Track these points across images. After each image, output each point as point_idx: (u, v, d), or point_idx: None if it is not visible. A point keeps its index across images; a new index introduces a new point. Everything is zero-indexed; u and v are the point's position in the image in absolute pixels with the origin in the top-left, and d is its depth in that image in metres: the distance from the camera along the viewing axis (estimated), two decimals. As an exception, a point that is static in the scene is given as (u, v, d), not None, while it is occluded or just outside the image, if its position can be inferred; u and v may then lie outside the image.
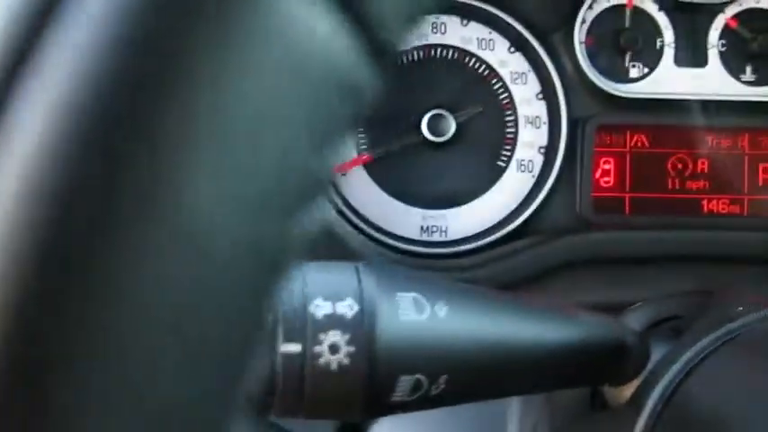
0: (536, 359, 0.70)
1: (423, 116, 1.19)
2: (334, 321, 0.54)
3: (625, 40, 1.22)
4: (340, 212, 1.18)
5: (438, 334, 0.60)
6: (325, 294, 0.55)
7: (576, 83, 1.23)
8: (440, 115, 1.19)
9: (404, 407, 0.60)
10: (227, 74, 0.25)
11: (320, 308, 0.55)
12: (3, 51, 0.24)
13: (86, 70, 0.23)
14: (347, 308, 0.55)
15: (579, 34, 1.22)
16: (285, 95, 0.26)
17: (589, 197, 1.23)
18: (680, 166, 1.25)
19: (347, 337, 0.54)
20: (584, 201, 1.23)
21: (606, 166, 1.24)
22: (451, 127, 1.19)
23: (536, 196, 1.21)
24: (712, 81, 1.26)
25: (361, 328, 0.55)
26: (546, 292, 1.16)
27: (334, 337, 0.54)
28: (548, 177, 1.21)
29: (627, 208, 1.25)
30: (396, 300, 0.58)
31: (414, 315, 0.58)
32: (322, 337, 0.54)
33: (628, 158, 1.25)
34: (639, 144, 1.25)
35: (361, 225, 1.19)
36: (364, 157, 1.20)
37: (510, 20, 1.20)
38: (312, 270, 0.58)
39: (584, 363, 0.76)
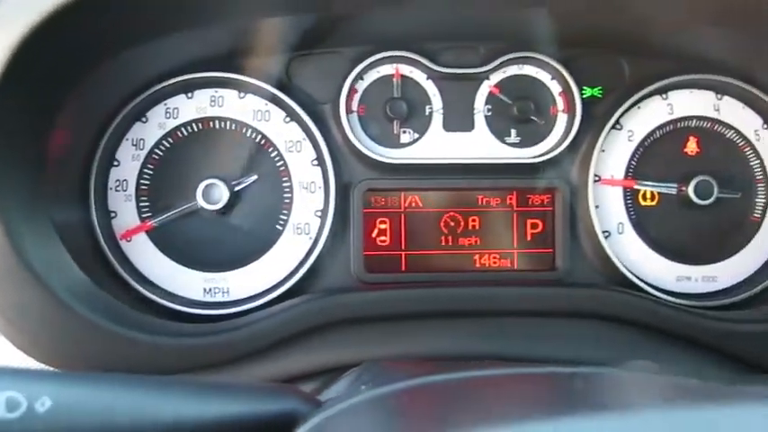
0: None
1: (198, 185, 1.26)
2: None
3: (391, 109, 1.31)
4: (123, 279, 1.25)
5: (34, 430, 0.66)
6: None
7: (346, 150, 1.31)
8: (213, 184, 1.26)
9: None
10: None
11: None
12: None
13: None
14: None
15: (347, 105, 1.30)
16: None
17: (361, 257, 1.30)
18: (452, 223, 1.33)
19: None
20: (357, 260, 1.30)
21: (382, 226, 1.32)
22: (224, 195, 1.26)
23: (312, 257, 1.29)
24: (480, 144, 1.34)
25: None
26: (315, 349, 1.21)
27: None
28: (322, 239, 1.29)
29: (403, 265, 1.33)
30: (-17, 401, 0.64)
31: (3, 414, 0.65)
32: None
33: (402, 218, 1.32)
34: (413, 204, 1.33)
35: (145, 290, 1.26)
36: (147, 225, 1.27)
37: (281, 94, 1.28)
38: None
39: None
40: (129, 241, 1.28)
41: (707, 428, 0.56)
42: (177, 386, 0.80)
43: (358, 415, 0.71)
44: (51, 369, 1.05)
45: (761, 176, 1.36)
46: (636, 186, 1.35)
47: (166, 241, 1.28)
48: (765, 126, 1.36)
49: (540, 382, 0.74)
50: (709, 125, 1.36)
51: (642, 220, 1.35)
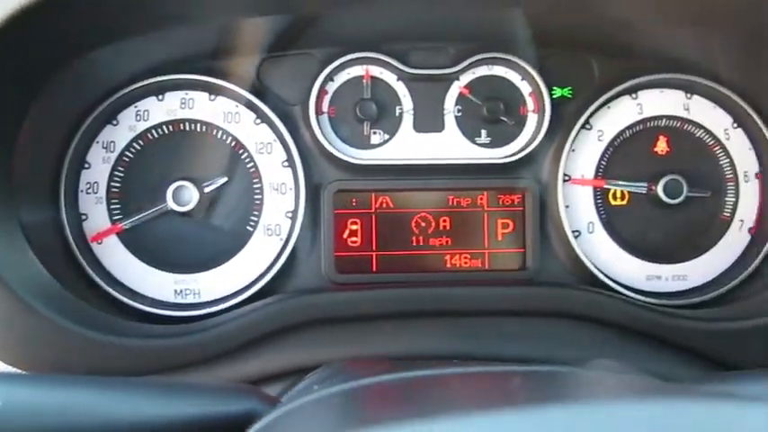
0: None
1: (168, 187, 1.27)
2: None
3: (361, 110, 1.31)
4: (94, 281, 1.26)
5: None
6: None
7: (316, 152, 1.31)
8: (183, 186, 1.27)
9: None
10: None
11: None
12: None
13: None
14: None
15: (318, 106, 1.30)
16: None
17: (332, 258, 1.31)
18: (423, 224, 1.34)
19: None
20: (328, 261, 1.31)
21: (353, 227, 1.33)
22: (194, 197, 1.26)
23: (282, 258, 1.29)
24: (450, 145, 1.35)
25: None
26: (286, 349, 1.21)
27: None
28: (293, 240, 1.29)
29: (374, 266, 1.33)
30: None
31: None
32: None
33: (373, 219, 1.33)
34: (384, 205, 1.33)
35: (116, 292, 1.26)
36: (117, 227, 1.28)
37: (250, 96, 1.29)
38: None
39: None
40: (100, 243, 1.28)
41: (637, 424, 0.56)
42: (135, 387, 0.81)
43: (305, 414, 0.71)
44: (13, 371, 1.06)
45: (731, 175, 1.37)
46: (606, 186, 1.35)
47: (137, 243, 1.29)
48: (735, 125, 1.37)
49: (490, 380, 0.75)
50: (678, 124, 1.37)
51: (612, 220, 1.36)
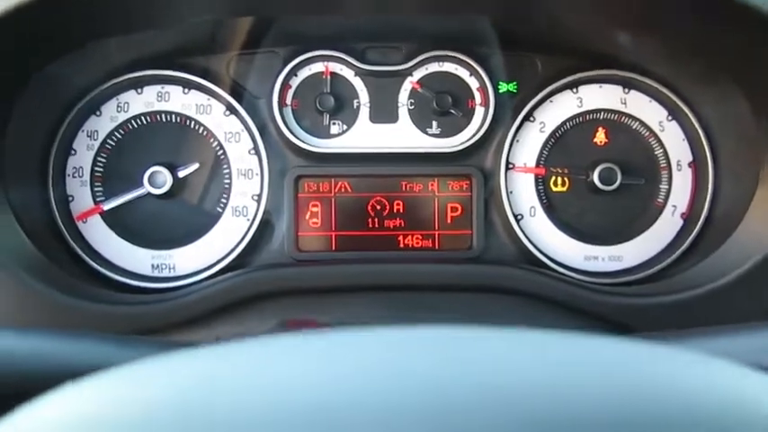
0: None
1: (144, 172, 1.40)
2: None
3: (321, 103, 1.44)
4: (79, 256, 1.40)
5: None
6: None
7: (280, 141, 1.44)
8: (158, 171, 1.40)
9: None
10: None
11: None
12: None
13: None
14: None
15: (282, 99, 1.43)
16: None
17: (294, 237, 1.44)
18: (378, 207, 1.46)
19: None
20: (290, 240, 1.44)
21: (314, 209, 1.46)
22: (168, 181, 1.40)
23: (248, 236, 1.43)
24: (403, 135, 1.47)
25: None
26: (249, 318, 1.34)
27: None
28: (257, 220, 1.43)
29: (333, 245, 1.46)
30: None
31: None
32: None
33: (333, 202, 1.46)
34: (343, 190, 1.46)
35: (99, 267, 1.40)
36: (100, 207, 1.42)
37: (221, 91, 1.42)
38: None
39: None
40: (84, 222, 1.42)
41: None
42: (89, 338, 0.94)
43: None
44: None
45: (665, 164, 1.47)
46: (546, 173, 1.47)
47: (118, 222, 1.43)
48: (670, 118, 1.47)
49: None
50: (616, 117, 1.47)
51: (553, 205, 1.47)
